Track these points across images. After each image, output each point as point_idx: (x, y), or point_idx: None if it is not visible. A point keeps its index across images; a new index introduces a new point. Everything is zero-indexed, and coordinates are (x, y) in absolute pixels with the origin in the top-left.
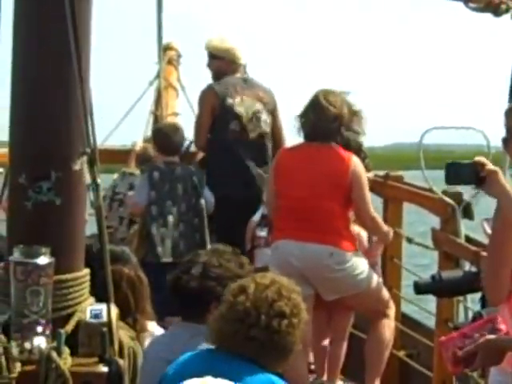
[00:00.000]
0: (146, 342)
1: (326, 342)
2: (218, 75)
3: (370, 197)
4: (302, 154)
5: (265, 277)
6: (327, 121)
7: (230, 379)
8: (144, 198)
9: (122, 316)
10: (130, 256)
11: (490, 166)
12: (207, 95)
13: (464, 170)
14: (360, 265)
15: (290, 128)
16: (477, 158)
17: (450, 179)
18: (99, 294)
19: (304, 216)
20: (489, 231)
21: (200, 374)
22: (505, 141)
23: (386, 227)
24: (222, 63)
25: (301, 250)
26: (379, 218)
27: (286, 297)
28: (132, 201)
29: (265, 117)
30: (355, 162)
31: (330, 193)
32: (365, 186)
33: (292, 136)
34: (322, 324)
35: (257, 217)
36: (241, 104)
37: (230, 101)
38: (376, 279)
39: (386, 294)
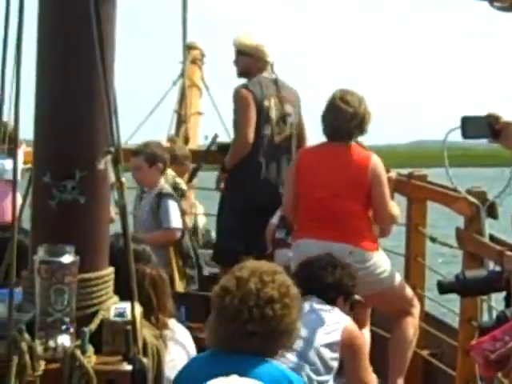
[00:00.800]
0: (168, 340)
1: None
2: (244, 72)
3: (389, 194)
4: (321, 154)
5: (243, 269)
6: (344, 120)
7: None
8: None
9: (145, 314)
10: (150, 254)
11: (504, 118)
12: (246, 95)
13: (479, 124)
14: (382, 263)
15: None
16: (491, 111)
17: (466, 133)
18: (122, 293)
19: (324, 215)
20: None
21: (215, 376)
22: None
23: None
24: (250, 60)
25: (320, 248)
26: (398, 214)
27: (269, 281)
28: (176, 227)
29: (292, 119)
30: (374, 160)
31: (350, 192)
32: (384, 184)
33: (312, 136)
34: None
35: (275, 219)
36: (273, 107)
37: (266, 104)
38: (399, 278)
39: (409, 292)
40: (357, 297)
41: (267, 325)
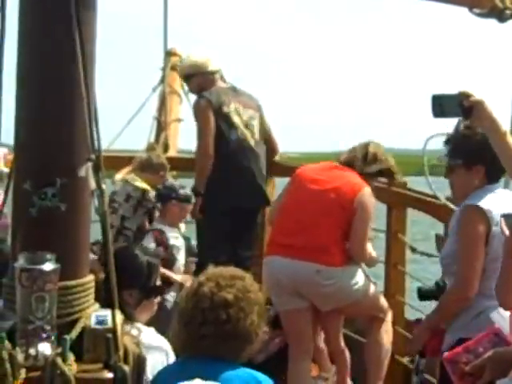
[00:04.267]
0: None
1: (321, 343)
2: (200, 91)
3: (368, 231)
4: (318, 171)
5: (205, 273)
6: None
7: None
8: None
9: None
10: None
11: (476, 96)
12: (203, 105)
13: (450, 102)
14: (353, 276)
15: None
16: (462, 89)
17: (436, 112)
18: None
19: (294, 231)
20: (505, 229)
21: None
22: None
23: (374, 260)
24: (198, 78)
25: (288, 268)
26: (371, 254)
27: (226, 285)
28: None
29: (256, 123)
30: (366, 191)
31: (331, 210)
32: (367, 218)
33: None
34: (315, 325)
35: None
36: (235, 112)
37: (225, 110)
38: (372, 287)
39: (382, 300)
40: None
41: (221, 328)
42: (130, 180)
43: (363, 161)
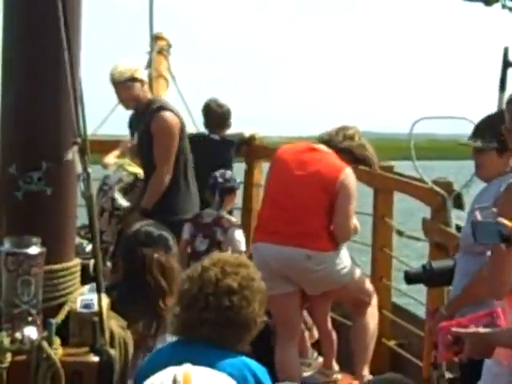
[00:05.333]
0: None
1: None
2: (134, 101)
3: (352, 211)
4: (298, 154)
5: (210, 258)
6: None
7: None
8: None
9: (153, 299)
10: (168, 240)
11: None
12: (176, 123)
13: (489, 229)
14: (341, 261)
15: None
16: (500, 219)
17: (477, 238)
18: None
19: (283, 217)
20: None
21: (174, 364)
22: (509, 131)
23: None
24: (139, 86)
25: (278, 254)
26: (356, 225)
27: (231, 272)
28: None
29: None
30: (347, 173)
31: (316, 195)
32: (350, 197)
33: None
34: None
35: (186, 233)
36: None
37: (184, 125)
38: (358, 272)
39: (368, 284)
40: None
41: (222, 314)
42: (126, 165)
43: (343, 137)
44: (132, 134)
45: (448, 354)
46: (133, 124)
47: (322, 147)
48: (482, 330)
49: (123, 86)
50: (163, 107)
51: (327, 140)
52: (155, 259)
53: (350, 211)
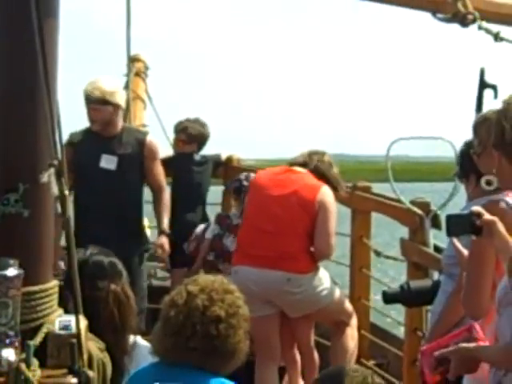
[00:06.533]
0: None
1: (295, 351)
2: (105, 124)
3: (333, 228)
4: (274, 177)
5: (196, 283)
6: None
7: None
8: None
9: (108, 332)
10: (119, 268)
11: (487, 215)
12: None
13: (462, 221)
14: (321, 282)
15: None
16: (474, 208)
17: (451, 231)
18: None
19: (263, 240)
20: (458, 244)
21: None
22: (478, 154)
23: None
24: (112, 110)
25: (259, 277)
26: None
27: (218, 300)
28: None
29: None
30: (324, 191)
31: (297, 215)
32: (330, 216)
33: None
34: (287, 335)
35: (209, 234)
36: None
37: None
38: (338, 292)
39: (348, 304)
40: None
41: (209, 343)
42: None
43: (316, 159)
44: (83, 155)
45: (435, 377)
46: (88, 147)
47: (298, 168)
48: (464, 344)
49: (93, 107)
50: (147, 133)
51: (301, 162)
52: (111, 291)
53: (330, 229)
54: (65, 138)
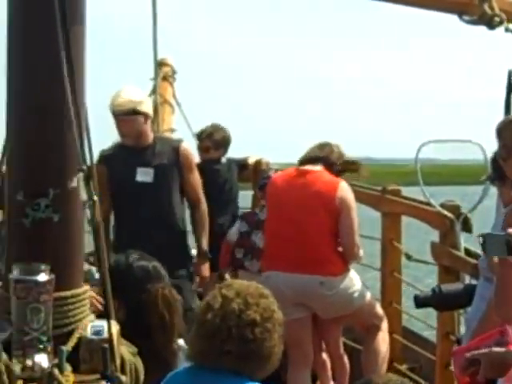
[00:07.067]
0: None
1: (325, 355)
2: (140, 135)
3: (357, 224)
4: (291, 180)
5: (231, 288)
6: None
7: None
8: None
9: (159, 333)
10: (161, 272)
11: None
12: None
13: (499, 241)
14: (352, 284)
15: None
16: (511, 230)
17: (487, 251)
18: (126, 324)
19: (292, 245)
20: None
21: None
22: (504, 159)
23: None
24: (143, 119)
25: (291, 281)
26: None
27: (253, 304)
28: None
29: None
30: (343, 186)
31: (320, 217)
32: (352, 212)
33: None
34: (317, 339)
35: (234, 233)
36: None
37: None
38: (369, 295)
39: (378, 308)
40: None
41: (245, 347)
42: None
43: (329, 151)
44: (117, 171)
45: (465, 378)
46: (122, 162)
47: (311, 167)
48: (495, 348)
49: (123, 119)
50: (180, 140)
51: (313, 157)
52: (160, 294)
53: (354, 225)
54: (95, 147)
